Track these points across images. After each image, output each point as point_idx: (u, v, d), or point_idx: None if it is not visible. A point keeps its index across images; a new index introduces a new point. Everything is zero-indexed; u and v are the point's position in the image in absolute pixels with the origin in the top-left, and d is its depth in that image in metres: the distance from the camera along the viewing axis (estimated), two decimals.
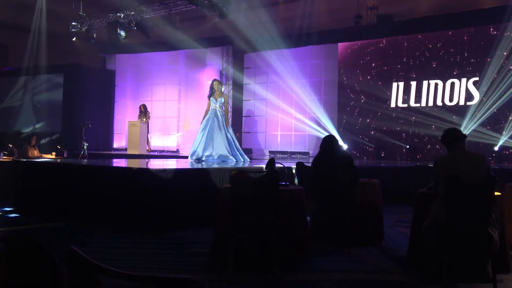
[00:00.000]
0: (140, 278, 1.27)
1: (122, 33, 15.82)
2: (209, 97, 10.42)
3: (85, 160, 11.28)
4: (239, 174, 4.65)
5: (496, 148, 12.17)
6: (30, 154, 12.82)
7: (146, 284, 1.30)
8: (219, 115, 10.30)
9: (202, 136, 10.25)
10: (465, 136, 4.62)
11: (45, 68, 17.49)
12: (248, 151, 16.62)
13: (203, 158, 10.10)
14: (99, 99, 17.75)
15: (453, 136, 4.55)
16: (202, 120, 10.43)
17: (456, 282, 4.37)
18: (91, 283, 1.36)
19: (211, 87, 10.46)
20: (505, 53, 12.11)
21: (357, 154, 14.34)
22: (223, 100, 10.39)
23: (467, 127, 12.33)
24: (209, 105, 10.36)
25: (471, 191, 4.12)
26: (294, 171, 7.54)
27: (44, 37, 17.12)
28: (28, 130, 17.35)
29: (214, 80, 10.82)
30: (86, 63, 17.82)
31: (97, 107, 17.50)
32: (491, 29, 12.43)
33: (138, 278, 1.27)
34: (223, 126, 10.27)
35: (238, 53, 16.97)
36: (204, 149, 10.14)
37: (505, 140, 12.00)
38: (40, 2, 16.60)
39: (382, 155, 14.28)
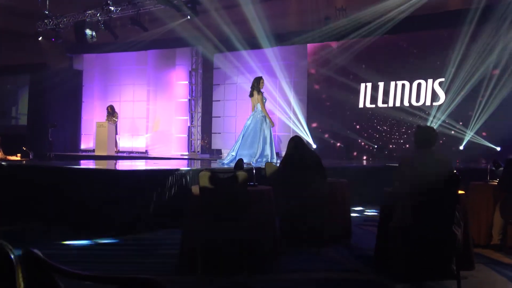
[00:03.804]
0: (100, 279, 1.26)
1: (89, 33, 15.59)
2: (260, 92, 9.87)
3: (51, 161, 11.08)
4: (207, 174, 4.63)
5: (461, 148, 12.41)
6: None
7: (107, 284, 1.28)
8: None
9: (270, 139, 9.82)
10: (437, 136, 4.67)
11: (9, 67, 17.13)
12: (217, 152, 16.61)
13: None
14: (66, 99, 17.45)
15: (426, 136, 4.55)
16: (267, 117, 9.84)
17: (421, 280, 4.44)
18: (50, 284, 1.33)
19: (260, 84, 9.93)
20: (462, 53, 12.36)
21: (326, 154, 14.43)
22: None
23: (433, 126, 12.53)
24: (262, 99, 9.85)
25: (436, 189, 4.19)
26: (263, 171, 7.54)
27: None
28: None
29: (262, 77, 10.25)
30: (53, 63, 17.50)
31: (64, 107, 17.21)
32: (457, 31, 12.63)
33: (98, 279, 1.25)
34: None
35: (208, 54, 16.91)
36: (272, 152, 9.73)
37: (472, 136, 12.23)
38: None
39: (351, 155, 14.41)
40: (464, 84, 12.35)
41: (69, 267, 1.40)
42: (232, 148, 10.22)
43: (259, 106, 9.87)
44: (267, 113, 9.86)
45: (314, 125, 14.91)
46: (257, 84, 9.92)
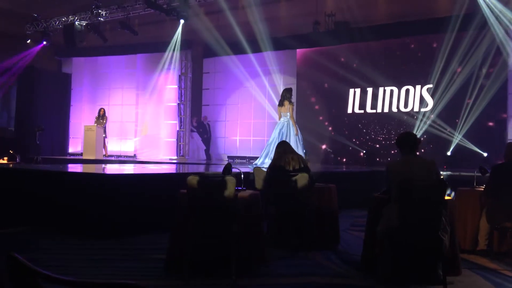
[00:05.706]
0: (85, 284, 1.25)
1: (78, 25, 15.56)
2: (291, 102, 10.79)
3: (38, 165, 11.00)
4: (196, 178, 4.63)
5: (448, 153, 12.49)
6: None
7: None
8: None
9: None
10: (419, 141, 4.73)
11: None
12: (207, 157, 16.58)
13: None
14: (54, 103, 17.37)
15: (409, 141, 4.63)
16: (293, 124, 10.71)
17: (408, 285, 4.46)
18: None
19: (291, 94, 10.87)
20: (448, 59, 12.47)
21: (314, 159, 14.46)
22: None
23: (420, 132, 12.63)
24: (292, 109, 10.79)
25: (422, 195, 4.22)
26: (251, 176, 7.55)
27: None
28: None
29: (291, 88, 11.32)
30: (41, 66, 17.40)
31: (52, 111, 17.12)
32: (445, 37, 12.74)
33: (82, 284, 1.24)
34: None
35: (197, 58, 16.93)
36: None
37: (459, 140, 12.30)
38: None
39: (339, 159, 14.46)
40: (451, 90, 12.44)
41: (55, 271, 1.40)
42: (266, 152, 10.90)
43: (288, 114, 10.61)
44: (294, 121, 10.69)
45: (303, 129, 14.90)
46: (289, 95, 10.71)
